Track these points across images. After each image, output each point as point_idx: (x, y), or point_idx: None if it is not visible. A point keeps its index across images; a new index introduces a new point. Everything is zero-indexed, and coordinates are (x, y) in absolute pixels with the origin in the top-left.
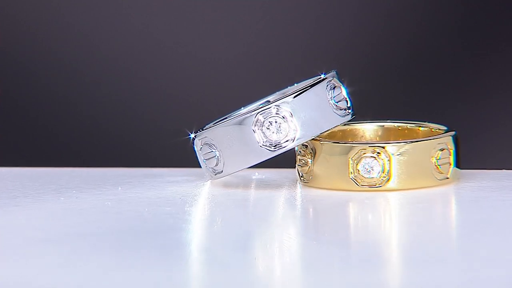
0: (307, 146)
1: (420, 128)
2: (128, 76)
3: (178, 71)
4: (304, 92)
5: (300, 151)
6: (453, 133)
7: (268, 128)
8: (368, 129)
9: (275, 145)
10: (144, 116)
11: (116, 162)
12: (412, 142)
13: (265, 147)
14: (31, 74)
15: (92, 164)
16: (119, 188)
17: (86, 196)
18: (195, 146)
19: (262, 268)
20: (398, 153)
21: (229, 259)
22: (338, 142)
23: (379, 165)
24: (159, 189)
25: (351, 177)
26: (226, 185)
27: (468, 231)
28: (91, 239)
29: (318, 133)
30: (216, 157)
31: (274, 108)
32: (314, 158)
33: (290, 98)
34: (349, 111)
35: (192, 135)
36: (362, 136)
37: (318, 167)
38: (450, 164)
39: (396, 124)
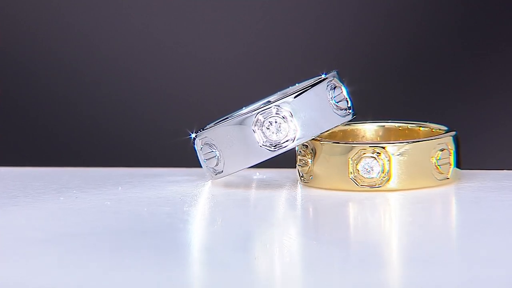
0: (307, 146)
1: (421, 128)
2: (128, 76)
3: (178, 71)
4: (305, 92)
5: (300, 151)
6: (453, 133)
7: (268, 128)
8: (369, 129)
9: (275, 145)
10: (144, 116)
11: (116, 162)
12: (412, 142)
13: (265, 147)
14: (31, 74)
15: (92, 164)
16: (119, 188)
17: (86, 196)
18: (195, 146)
19: (262, 268)
20: (398, 153)
21: (229, 259)
22: (338, 142)
23: (379, 165)
24: (159, 189)
25: (351, 177)
26: (226, 185)
27: (468, 231)
28: (91, 239)
29: (318, 133)
30: (216, 157)
31: (274, 108)
32: (314, 158)
33: (290, 98)
34: (350, 111)
35: (193, 135)
36: (363, 136)
37: (318, 167)
38: (450, 164)
39: (396, 124)
